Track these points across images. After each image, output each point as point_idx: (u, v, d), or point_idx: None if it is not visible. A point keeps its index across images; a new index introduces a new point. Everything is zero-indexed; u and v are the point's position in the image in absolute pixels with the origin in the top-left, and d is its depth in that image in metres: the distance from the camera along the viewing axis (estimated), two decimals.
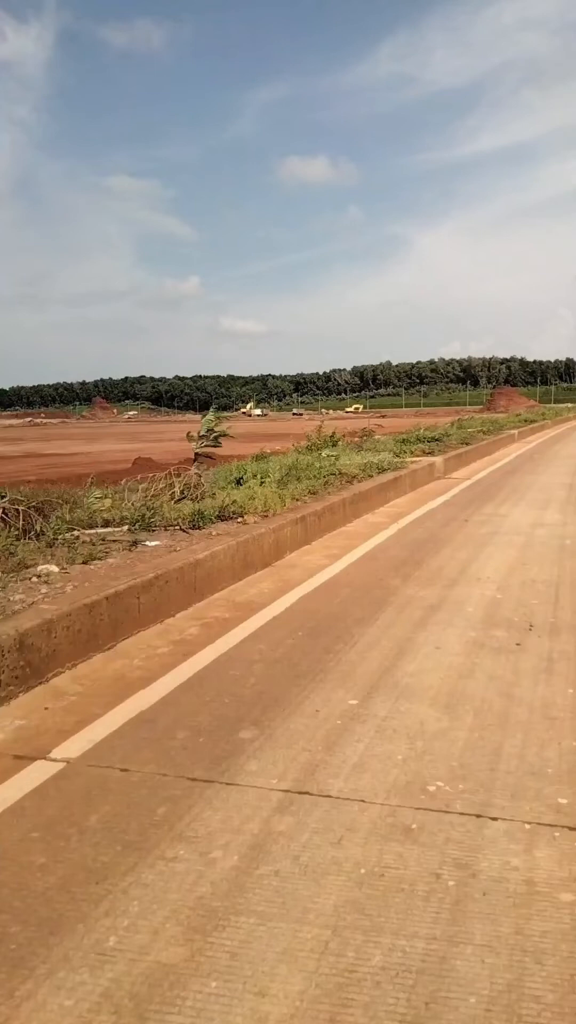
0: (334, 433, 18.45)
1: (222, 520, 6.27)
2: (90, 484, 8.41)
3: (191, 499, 7.34)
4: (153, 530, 5.80)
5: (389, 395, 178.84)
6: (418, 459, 12.67)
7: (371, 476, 10.32)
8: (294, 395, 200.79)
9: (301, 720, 3.03)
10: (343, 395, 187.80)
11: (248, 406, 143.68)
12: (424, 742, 2.91)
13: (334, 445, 16.79)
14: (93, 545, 5.15)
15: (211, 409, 18.27)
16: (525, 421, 27.93)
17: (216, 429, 17.14)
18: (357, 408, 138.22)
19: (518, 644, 4.10)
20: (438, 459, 12.80)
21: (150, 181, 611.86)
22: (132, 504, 6.58)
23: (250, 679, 3.45)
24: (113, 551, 5.02)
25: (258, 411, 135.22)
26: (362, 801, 2.45)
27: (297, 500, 7.88)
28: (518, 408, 68.17)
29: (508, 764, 2.77)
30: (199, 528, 5.92)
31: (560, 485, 11.54)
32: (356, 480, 9.72)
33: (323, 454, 12.18)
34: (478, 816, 2.43)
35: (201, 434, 16.88)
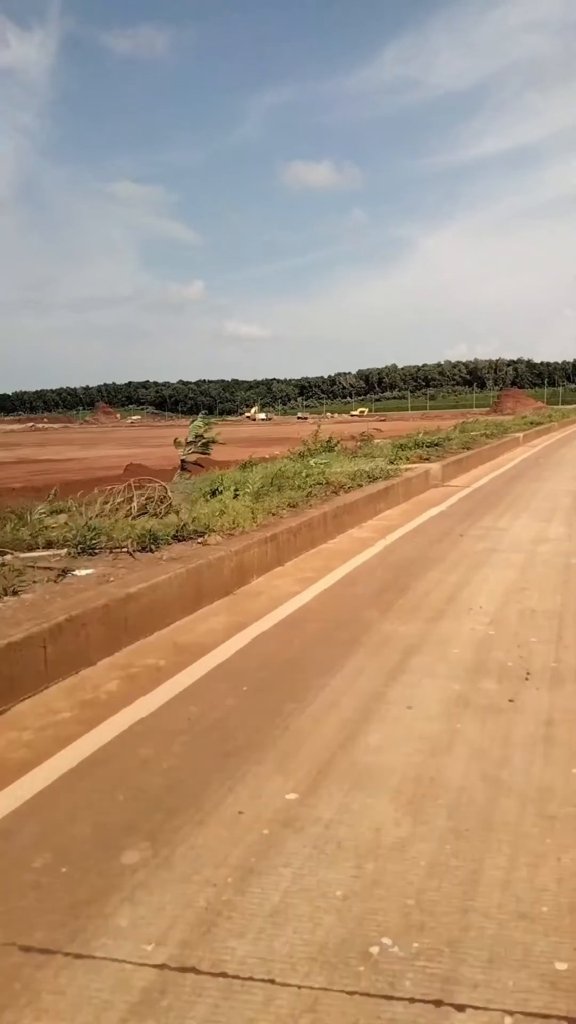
0: (330, 438, 17.76)
1: (180, 541, 5.53)
2: (52, 496, 7.70)
3: (153, 515, 6.62)
4: (95, 553, 5.06)
5: (395, 398, 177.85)
6: (414, 466, 11.91)
7: (360, 486, 9.57)
8: (299, 399, 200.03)
9: (216, 830, 2.28)
10: (348, 399, 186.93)
11: (252, 410, 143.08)
12: (376, 864, 2.15)
13: (329, 451, 16.11)
14: (20, 574, 4.42)
15: (200, 415, 17.54)
16: (530, 424, 27.11)
17: (206, 435, 16.45)
18: (362, 411, 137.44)
19: (511, 700, 3.34)
20: (435, 466, 12.03)
21: (154, 186, 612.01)
22: (87, 521, 5.86)
23: (164, 761, 2.70)
24: (38, 581, 4.28)
25: (262, 415, 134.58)
26: (270, 982, 1.69)
27: (273, 514, 7.14)
28: (525, 410, 67.28)
29: (488, 899, 2.02)
30: (150, 551, 5.18)
31: (566, 493, 10.75)
32: (343, 490, 8.97)
33: (312, 462, 11.44)
34: (437, 1004, 1.67)
35: (188, 440, 16.18)
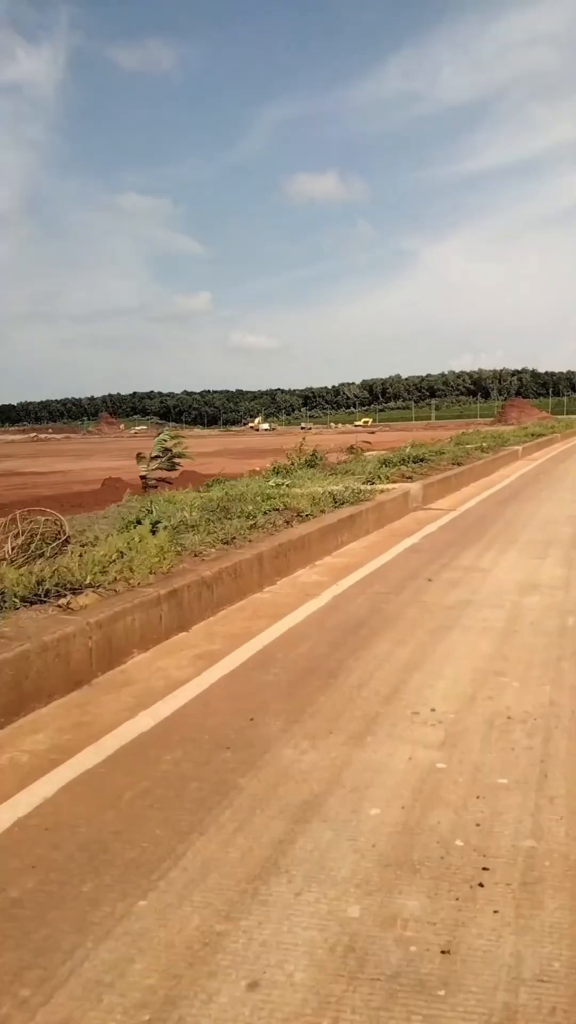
0: (314, 452, 16.45)
1: (34, 603, 4.08)
2: None
3: (39, 556, 5.19)
4: None
5: (399, 408, 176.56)
6: (393, 486, 10.45)
7: (322, 512, 8.13)
8: (303, 409, 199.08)
9: None
10: (352, 409, 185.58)
11: (256, 420, 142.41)
12: None
13: (311, 466, 14.79)
14: None
15: (165, 429, 16.08)
16: (531, 435, 25.56)
17: (174, 449, 15.03)
18: (366, 421, 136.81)
19: (446, 953, 1.87)
20: (415, 486, 10.55)
21: (160, 198, 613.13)
22: None
23: None
24: None
25: (265, 425, 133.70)
26: None
27: (197, 555, 5.70)
28: (530, 420, 65.94)
29: None
30: None
31: (567, 519, 9.27)
32: (297, 519, 7.53)
33: (272, 482, 9.99)
34: None
35: (153, 455, 14.77)
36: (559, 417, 67.91)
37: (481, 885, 2.14)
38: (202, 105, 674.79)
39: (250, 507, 8.15)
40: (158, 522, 6.36)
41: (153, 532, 6.16)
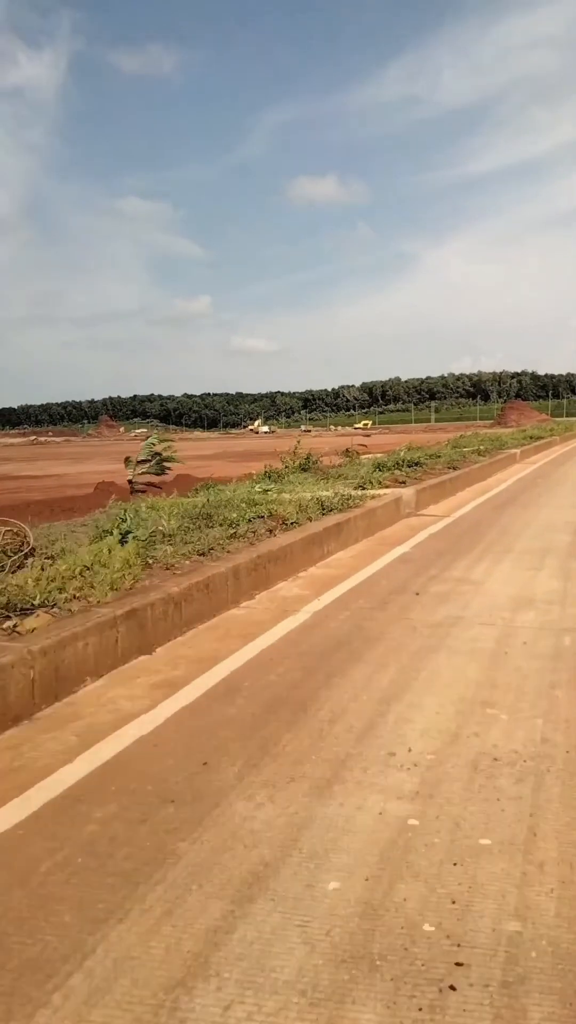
0: (309, 455, 16.10)
1: None
2: None
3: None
4: None
5: (399, 411, 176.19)
6: (384, 491, 10.08)
7: (310, 519, 7.77)
8: (303, 412, 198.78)
9: None
10: (352, 411, 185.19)
11: (256, 423, 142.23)
12: None
13: (304, 470, 14.44)
14: None
15: (154, 433, 15.65)
16: (530, 438, 25.18)
17: (163, 453, 14.65)
18: (366, 424, 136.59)
19: None
20: (408, 491, 10.19)
21: (161, 202, 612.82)
22: None
23: None
24: None
25: (265, 428, 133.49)
26: None
27: (169, 567, 5.33)
28: (530, 422, 65.60)
29: None
30: None
31: (565, 525, 8.90)
32: (281, 528, 7.16)
33: (257, 488, 9.63)
34: None
35: (140, 459, 14.39)
36: (558, 419, 67.59)
37: (452, 988, 1.77)
38: (203, 109, 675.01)
39: (234, 514, 7.80)
40: (129, 532, 6.00)
41: (123, 543, 5.80)
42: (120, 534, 5.90)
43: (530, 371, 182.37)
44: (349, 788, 2.68)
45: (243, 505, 8.59)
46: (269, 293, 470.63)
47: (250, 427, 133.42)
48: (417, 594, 5.66)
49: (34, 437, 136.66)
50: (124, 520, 6.61)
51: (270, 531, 7.05)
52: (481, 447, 18.84)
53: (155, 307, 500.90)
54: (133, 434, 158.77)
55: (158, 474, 13.82)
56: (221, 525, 7.30)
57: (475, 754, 2.98)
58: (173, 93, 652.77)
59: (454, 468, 13.67)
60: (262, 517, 7.77)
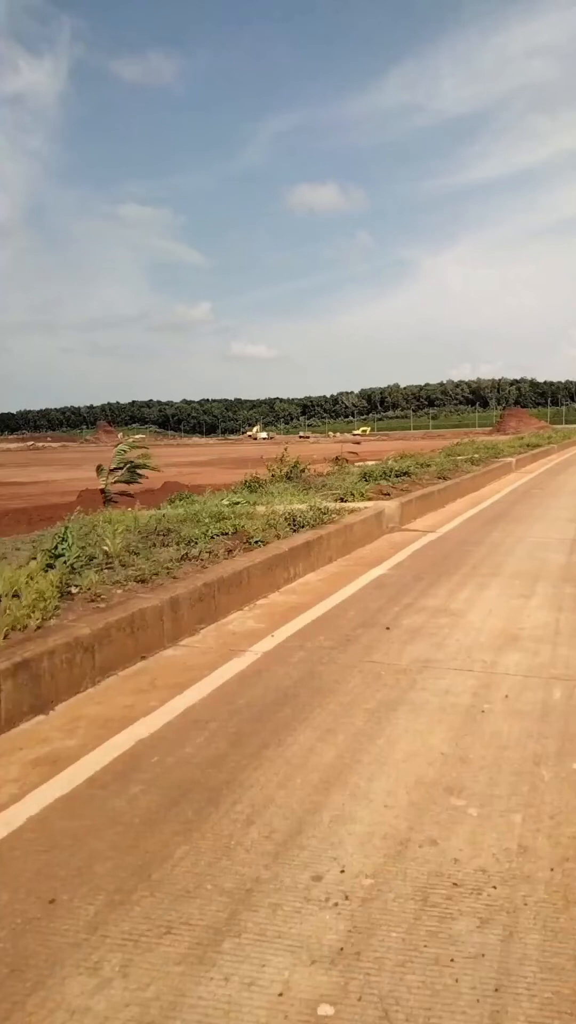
0: (297, 462, 15.38)
1: None
2: None
3: None
4: None
5: (397, 418, 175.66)
6: (366, 504, 9.34)
7: (278, 536, 7.03)
8: (301, 418, 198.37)
9: None
10: (350, 418, 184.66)
11: (254, 429, 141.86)
12: None
13: (288, 479, 13.72)
14: None
15: (125, 438, 14.91)
16: (526, 446, 24.41)
17: (137, 460, 13.88)
18: (365, 431, 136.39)
19: None
20: (392, 504, 9.44)
21: (161, 209, 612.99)
22: None
23: None
24: None
25: (264, 434, 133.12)
26: None
27: (96, 599, 4.58)
28: (528, 429, 64.98)
29: None
30: None
31: (560, 543, 8.16)
32: (244, 547, 6.42)
33: (226, 501, 8.87)
34: None
35: (113, 467, 13.62)
36: (557, 427, 67.06)
37: None
38: (203, 116, 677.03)
39: (196, 531, 7.07)
40: (60, 555, 5.25)
41: (49, 568, 5.05)
42: (49, 558, 5.15)
43: (529, 378, 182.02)
44: (244, 946, 1.92)
45: (209, 520, 7.87)
46: (269, 300, 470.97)
47: (248, 433, 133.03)
48: (387, 628, 4.91)
49: (32, 442, 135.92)
50: (64, 539, 5.86)
51: (229, 551, 6.31)
52: (475, 455, 18.10)
53: (155, 313, 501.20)
54: (131, 440, 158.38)
55: (129, 482, 13.04)
56: (178, 544, 6.58)
57: (427, 877, 2.23)
58: (173, 100, 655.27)
59: (444, 478, 12.93)
60: (226, 534, 7.03)
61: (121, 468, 13.12)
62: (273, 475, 14.09)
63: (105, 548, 5.90)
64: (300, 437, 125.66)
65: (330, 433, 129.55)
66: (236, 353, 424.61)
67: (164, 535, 6.99)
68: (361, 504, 9.37)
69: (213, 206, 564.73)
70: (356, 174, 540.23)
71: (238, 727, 3.33)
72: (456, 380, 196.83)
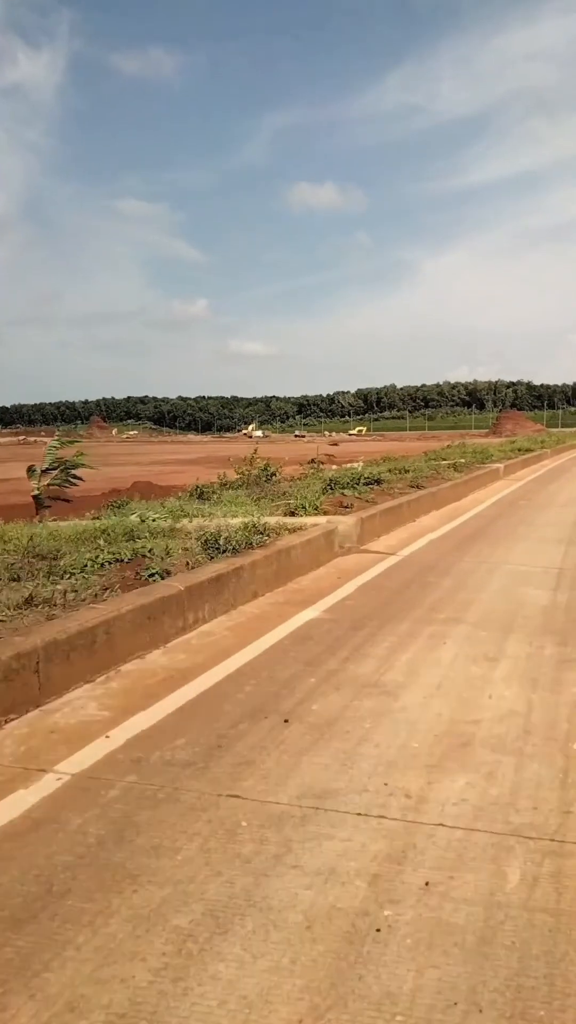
0: (267, 465, 14.01)
1: None
2: None
3: None
4: None
5: (393, 418, 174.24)
6: (317, 520, 7.83)
7: (187, 565, 5.55)
8: (297, 417, 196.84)
9: None
10: (346, 418, 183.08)
11: (250, 427, 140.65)
12: None
13: (257, 484, 12.39)
14: None
15: (56, 435, 13.38)
16: (518, 450, 22.85)
17: (72, 460, 12.35)
18: (361, 430, 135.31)
19: None
20: (349, 519, 7.93)
21: (159, 204, 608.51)
22: None
23: None
24: None
25: (259, 433, 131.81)
26: None
27: None
28: (524, 432, 63.69)
29: None
30: None
31: (544, 574, 6.67)
32: (120, 586, 4.91)
33: (152, 516, 7.34)
34: None
35: (45, 468, 12.10)
36: (553, 430, 65.77)
37: None
38: (202, 112, 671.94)
39: (88, 555, 5.64)
40: None
41: None
42: None
43: (526, 381, 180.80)
44: None
45: (121, 538, 6.42)
46: (267, 298, 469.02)
47: (244, 432, 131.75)
48: (286, 721, 3.40)
49: (23, 437, 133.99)
50: None
51: (105, 588, 4.80)
52: (460, 460, 16.60)
53: (152, 309, 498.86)
54: (125, 436, 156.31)
55: (62, 485, 11.50)
56: (63, 575, 5.15)
57: None
58: (172, 95, 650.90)
59: (419, 487, 11.42)
60: (120, 561, 5.57)
61: (55, 469, 11.60)
62: (241, 477, 12.68)
63: None
64: (296, 436, 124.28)
65: (326, 432, 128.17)
66: (233, 350, 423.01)
67: (53, 559, 5.56)
68: (311, 520, 7.87)
69: (211, 203, 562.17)
70: (355, 174, 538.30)
71: None
72: (453, 381, 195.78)
